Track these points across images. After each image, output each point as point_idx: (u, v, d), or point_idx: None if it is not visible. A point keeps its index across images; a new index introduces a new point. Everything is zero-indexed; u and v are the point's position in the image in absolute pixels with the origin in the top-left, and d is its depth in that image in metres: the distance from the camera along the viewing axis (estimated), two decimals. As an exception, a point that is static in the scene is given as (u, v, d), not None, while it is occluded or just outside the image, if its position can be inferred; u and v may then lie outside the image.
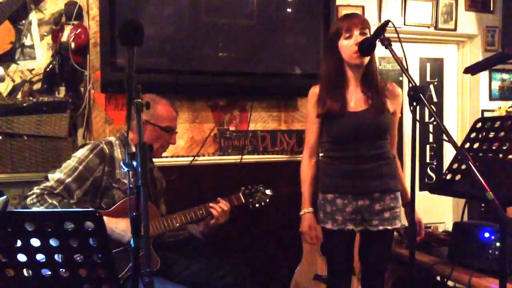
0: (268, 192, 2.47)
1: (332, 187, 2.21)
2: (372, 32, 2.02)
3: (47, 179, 2.03)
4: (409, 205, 2.14)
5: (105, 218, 1.95)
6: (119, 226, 2.01)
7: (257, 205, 2.42)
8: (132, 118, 2.18)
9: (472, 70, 2.29)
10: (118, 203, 2.09)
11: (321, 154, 2.32)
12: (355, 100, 2.18)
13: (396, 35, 1.83)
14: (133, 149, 2.14)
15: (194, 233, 2.36)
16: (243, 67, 2.95)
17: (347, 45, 2.11)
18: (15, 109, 2.58)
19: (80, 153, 2.09)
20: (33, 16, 2.73)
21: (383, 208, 2.15)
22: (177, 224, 2.19)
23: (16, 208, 2.58)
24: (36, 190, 1.99)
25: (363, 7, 3.41)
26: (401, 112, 2.45)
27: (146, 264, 1.32)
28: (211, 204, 2.27)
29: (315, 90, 2.25)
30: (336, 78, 2.19)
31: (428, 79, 3.93)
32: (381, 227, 2.15)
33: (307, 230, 2.24)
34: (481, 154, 1.91)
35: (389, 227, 2.16)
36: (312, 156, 2.30)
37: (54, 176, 2.02)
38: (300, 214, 2.27)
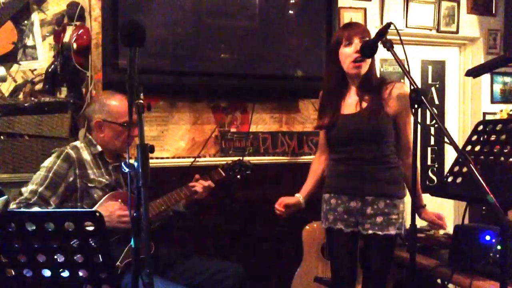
0: (247, 163, 2.50)
1: (329, 187, 2.26)
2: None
3: (20, 193, 2.04)
4: (421, 207, 2.21)
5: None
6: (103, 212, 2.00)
7: (238, 176, 2.46)
8: (90, 119, 2.20)
9: (474, 73, 2.28)
10: (101, 201, 2.10)
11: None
12: (349, 104, 2.19)
13: (398, 37, 1.83)
14: (99, 148, 2.17)
15: (177, 209, 2.38)
16: (245, 69, 2.95)
17: (347, 53, 2.12)
18: (17, 109, 2.59)
19: (48, 162, 2.11)
20: (35, 17, 2.73)
21: (376, 213, 2.13)
22: (163, 208, 2.22)
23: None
24: (12, 206, 1.99)
25: (365, 10, 3.41)
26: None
27: (146, 264, 1.32)
28: (192, 184, 2.31)
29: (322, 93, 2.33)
30: (335, 88, 2.21)
31: (430, 81, 3.93)
32: (370, 231, 2.13)
33: (279, 201, 2.29)
34: (482, 157, 1.91)
35: (379, 233, 2.12)
36: (322, 153, 2.38)
37: (27, 189, 2.04)
38: None
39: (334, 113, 2.19)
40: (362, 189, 2.15)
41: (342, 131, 2.17)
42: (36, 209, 1.96)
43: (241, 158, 2.50)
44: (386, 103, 2.14)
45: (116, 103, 2.19)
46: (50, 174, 2.06)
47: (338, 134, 2.19)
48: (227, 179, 2.42)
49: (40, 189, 2.03)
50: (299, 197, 2.31)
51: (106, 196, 2.12)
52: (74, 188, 2.10)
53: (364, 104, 2.15)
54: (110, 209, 2.03)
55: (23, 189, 2.05)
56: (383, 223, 2.13)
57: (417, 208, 2.17)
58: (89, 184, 2.11)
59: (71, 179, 2.09)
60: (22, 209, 1.97)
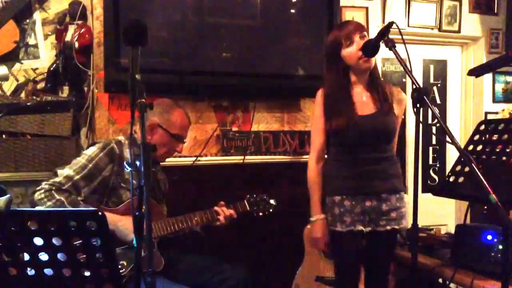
0: (272, 202, 2.51)
1: (341, 189, 2.18)
2: (370, 35, 2.03)
3: (56, 174, 2.04)
4: None
5: (109, 214, 1.98)
6: (123, 223, 2.02)
7: (261, 213, 2.48)
8: (146, 119, 2.21)
9: (476, 72, 2.28)
10: (125, 202, 2.10)
11: (327, 156, 2.29)
12: (364, 103, 2.18)
13: (400, 37, 1.82)
14: None
15: (194, 229, 2.37)
16: (247, 68, 2.95)
17: (351, 52, 2.12)
18: (19, 108, 2.59)
19: (91, 151, 2.11)
20: (37, 16, 2.74)
21: (390, 208, 2.15)
22: (183, 227, 2.23)
23: (19, 206, 2.59)
24: (44, 185, 2.00)
25: (367, 9, 3.41)
26: (404, 114, 2.46)
27: (148, 264, 1.32)
28: (217, 209, 2.30)
29: (321, 93, 2.25)
30: (341, 89, 2.18)
31: (431, 80, 3.92)
32: (388, 227, 2.15)
33: (321, 236, 2.21)
34: (484, 157, 1.91)
35: (397, 227, 2.16)
36: (319, 160, 2.26)
37: (63, 172, 2.04)
38: (311, 220, 2.25)
39: (350, 113, 2.13)
40: (377, 187, 2.15)
41: (363, 131, 2.13)
42: (43, 206, 1.96)
43: (266, 196, 2.50)
44: (393, 104, 2.20)
45: (178, 115, 2.22)
46: (90, 165, 2.06)
47: (359, 135, 2.13)
48: (250, 213, 2.45)
49: (77, 177, 2.03)
50: (324, 217, 2.22)
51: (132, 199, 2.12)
52: (107, 183, 2.10)
53: (378, 104, 2.17)
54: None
55: (59, 171, 2.04)
56: (397, 217, 2.17)
57: None
58: (122, 184, 2.12)
59: (107, 174, 2.09)
60: (53, 192, 1.98)
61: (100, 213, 1.23)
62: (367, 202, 2.15)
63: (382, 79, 2.29)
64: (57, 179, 2.02)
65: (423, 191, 3.79)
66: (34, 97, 2.65)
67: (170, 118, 2.19)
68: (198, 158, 3.02)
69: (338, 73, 2.18)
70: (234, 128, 3.13)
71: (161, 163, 2.38)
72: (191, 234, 2.40)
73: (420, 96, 1.69)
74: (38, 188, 2.01)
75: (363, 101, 2.18)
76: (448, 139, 1.62)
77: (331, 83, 2.22)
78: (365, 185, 2.15)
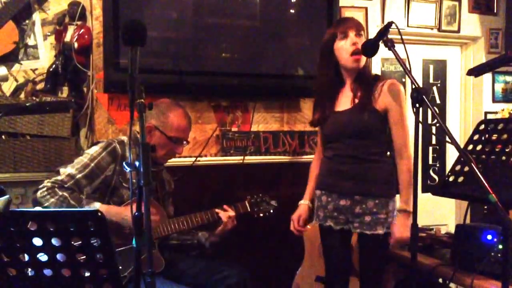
0: (273, 203, 2.54)
1: (321, 184, 2.28)
2: (370, 35, 2.03)
3: (58, 173, 2.05)
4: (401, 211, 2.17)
5: (113, 207, 2.02)
6: (127, 214, 2.01)
7: (261, 214, 2.50)
8: (145, 120, 2.22)
9: (475, 72, 2.28)
10: (126, 202, 2.10)
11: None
12: (344, 100, 2.19)
13: (399, 37, 1.83)
14: None
15: (202, 241, 2.38)
16: (246, 68, 2.95)
17: (343, 46, 2.12)
18: (18, 108, 2.59)
19: (93, 150, 2.11)
20: (37, 16, 2.74)
21: (364, 212, 2.12)
22: (184, 227, 2.23)
23: (18, 207, 2.59)
24: (47, 183, 2.00)
25: (366, 9, 3.41)
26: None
27: (148, 264, 1.32)
28: (217, 210, 2.31)
29: None
30: (329, 85, 2.20)
31: (431, 80, 3.93)
32: (358, 230, 2.14)
33: (294, 218, 2.34)
34: (483, 156, 1.91)
35: (367, 232, 2.10)
36: (320, 154, 2.38)
37: (66, 171, 2.04)
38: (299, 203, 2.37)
39: (326, 109, 2.20)
40: (351, 188, 2.14)
41: (332, 127, 2.19)
42: (46, 203, 1.97)
43: (267, 197, 2.54)
44: (376, 99, 2.12)
45: (175, 116, 2.19)
46: (92, 164, 2.07)
47: (328, 130, 2.21)
48: (250, 214, 2.47)
49: (79, 176, 2.04)
50: (308, 203, 2.34)
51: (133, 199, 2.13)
52: (108, 183, 2.10)
53: (357, 101, 2.15)
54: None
55: (62, 170, 2.05)
56: (371, 222, 2.11)
57: (398, 210, 2.14)
58: (124, 184, 2.12)
59: (109, 173, 2.10)
60: (56, 189, 1.99)
61: (99, 214, 1.23)
62: (341, 201, 2.17)
63: (377, 75, 2.26)
64: (59, 177, 2.02)
65: (423, 191, 3.80)
66: (34, 98, 2.65)
67: (166, 120, 2.17)
68: (198, 159, 3.02)
69: (329, 68, 2.19)
70: (234, 128, 3.13)
71: (161, 164, 2.38)
72: (197, 246, 2.41)
73: (420, 96, 1.69)
74: (40, 186, 2.01)
75: (345, 98, 2.19)
76: (447, 139, 1.62)
77: (320, 78, 2.25)
78: (338, 184, 2.18)
